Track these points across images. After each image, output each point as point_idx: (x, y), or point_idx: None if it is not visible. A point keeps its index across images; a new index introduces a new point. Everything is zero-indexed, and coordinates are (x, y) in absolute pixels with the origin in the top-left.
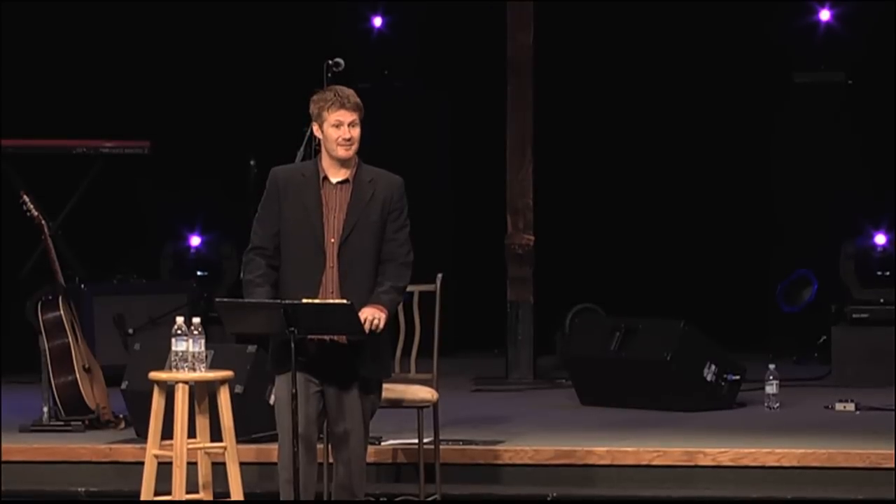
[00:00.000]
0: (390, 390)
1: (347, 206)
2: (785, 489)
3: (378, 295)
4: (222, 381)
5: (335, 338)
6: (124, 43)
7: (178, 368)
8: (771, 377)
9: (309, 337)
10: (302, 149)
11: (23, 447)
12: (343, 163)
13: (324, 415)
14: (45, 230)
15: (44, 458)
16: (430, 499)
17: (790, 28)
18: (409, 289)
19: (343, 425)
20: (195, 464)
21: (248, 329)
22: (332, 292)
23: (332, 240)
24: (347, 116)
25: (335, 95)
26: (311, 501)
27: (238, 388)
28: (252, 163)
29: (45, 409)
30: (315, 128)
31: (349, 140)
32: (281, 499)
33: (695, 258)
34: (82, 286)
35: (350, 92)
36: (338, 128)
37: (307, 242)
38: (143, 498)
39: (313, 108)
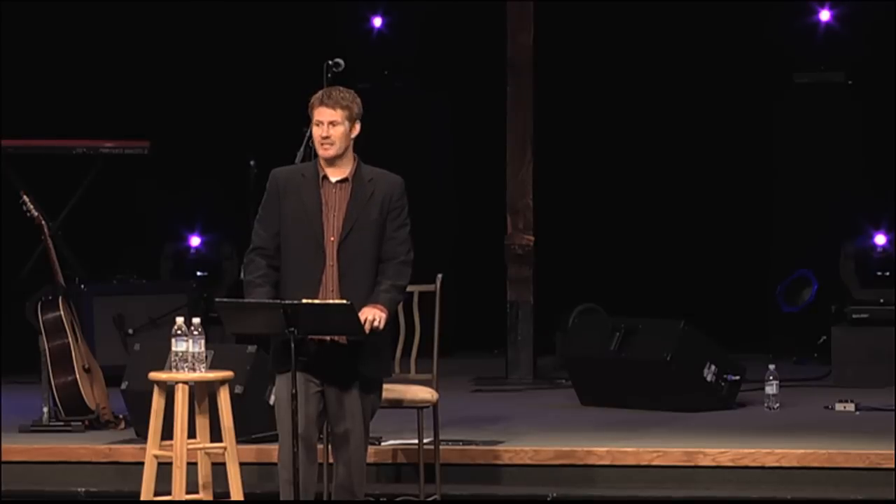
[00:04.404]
0: (390, 390)
1: (347, 205)
2: (785, 489)
3: (378, 294)
4: (222, 382)
5: (335, 338)
6: (124, 43)
7: (178, 369)
8: (771, 377)
9: (309, 337)
10: (302, 149)
11: (23, 447)
12: (332, 161)
13: (324, 415)
14: (45, 230)
15: (44, 458)
16: (430, 499)
17: (790, 28)
18: (409, 289)
19: (343, 425)
20: (195, 464)
21: (248, 329)
22: (333, 291)
23: (332, 239)
24: (326, 115)
25: (321, 94)
26: (311, 501)
27: (238, 389)
28: (252, 163)
29: (45, 410)
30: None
31: (327, 139)
32: (281, 499)
33: (695, 258)
34: (82, 286)
35: (337, 91)
36: (318, 126)
37: (307, 242)
38: (143, 498)
39: (309, 110)
